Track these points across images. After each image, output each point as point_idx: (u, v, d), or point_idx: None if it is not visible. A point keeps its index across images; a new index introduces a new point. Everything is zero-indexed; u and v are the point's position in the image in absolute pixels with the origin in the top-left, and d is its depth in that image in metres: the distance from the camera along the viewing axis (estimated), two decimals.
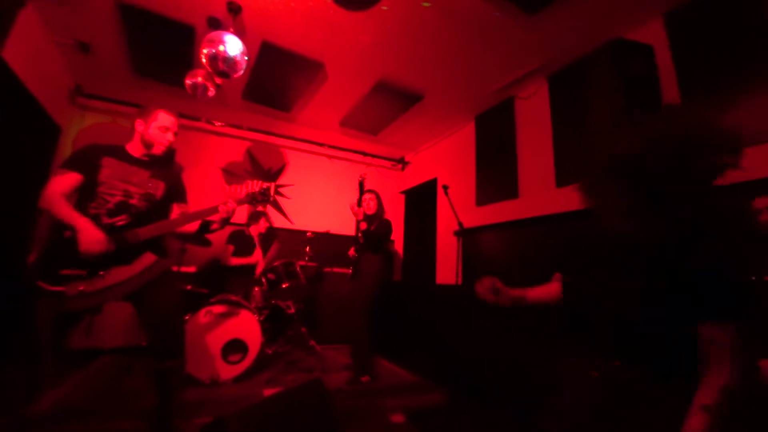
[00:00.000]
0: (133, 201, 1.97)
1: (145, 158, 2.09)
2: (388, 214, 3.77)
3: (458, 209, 3.29)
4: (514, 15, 2.85)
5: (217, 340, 3.20)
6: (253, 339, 3.33)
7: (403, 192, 6.35)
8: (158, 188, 2.07)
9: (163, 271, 2.04)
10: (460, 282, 3.25)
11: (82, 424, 2.35)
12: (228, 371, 3.20)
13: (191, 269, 4.47)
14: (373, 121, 4.94)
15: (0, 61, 2.75)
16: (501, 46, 3.23)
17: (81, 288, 1.77)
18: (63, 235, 1.80)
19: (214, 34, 2.86)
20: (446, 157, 5.21)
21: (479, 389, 3.20)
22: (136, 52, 3.63)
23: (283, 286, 3.80)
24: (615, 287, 1.00)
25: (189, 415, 2.34)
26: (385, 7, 2.81)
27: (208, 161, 5.00)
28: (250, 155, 5.27)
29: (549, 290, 1.39)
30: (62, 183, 1.86)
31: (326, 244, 5.04)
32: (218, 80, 3.43)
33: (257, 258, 4.15)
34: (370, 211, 3.66)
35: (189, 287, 3.65)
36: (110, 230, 1.86)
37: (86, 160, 1.93)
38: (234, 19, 2.98)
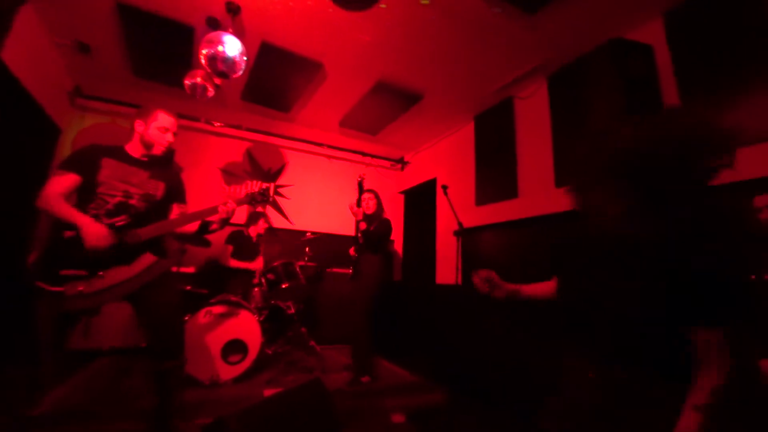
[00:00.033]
0: (132, 201, 1.96)
1: (145, 159, 2.09)
2: (388, 214, 3.77)
3: (458, 209, 3.29)
4: (514, 15, 2.85)
5: (217, 340, 3.19)
6: (253, 339, 3.33)
7: (402, 192, 6.35)
8: (158, 189, 2.07)
9: (162, 272, 2.04)
10: (459, 282, 3.25)
11: (82, 425, 2.35)
12: (228, 372, 3.20)
13: (191, 270, 4.47)
14: (373, 121, 4.93)
15: None
16: (500, 45, 3.23)
17: (80, 288, 1.77)
18: (63, 236, 1.80)
19: (213, 34, 2.85)
20: (446, 157, 5.21)
21: (479, 389, 3.20)
22: (135, 52, 3.63)
23: (283, 286, 3.80)
24: (615, 287, 1.00)
25: (189, 415, 2.34)
26: (383, 5, 2.81)
27: (208, 162, 5.00)
28: (250, 155, 5.27)
29: (544, 287, 1.40)
30: (60, 184, 1.86)
31: (326, 244, 5.04)
32: (217, 81, 3.43)
33: (259, 265, 4.14)
34: (370, 211, 3.66)
35: (189, 288, 3.65)
36: (110, 231, 1.86)
37: (85, 161, 1.93)
38: (233, 19, 2.98)
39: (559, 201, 3.07)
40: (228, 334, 3.24)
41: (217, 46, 2.82)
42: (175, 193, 2.19)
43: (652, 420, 0.92)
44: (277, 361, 3.78)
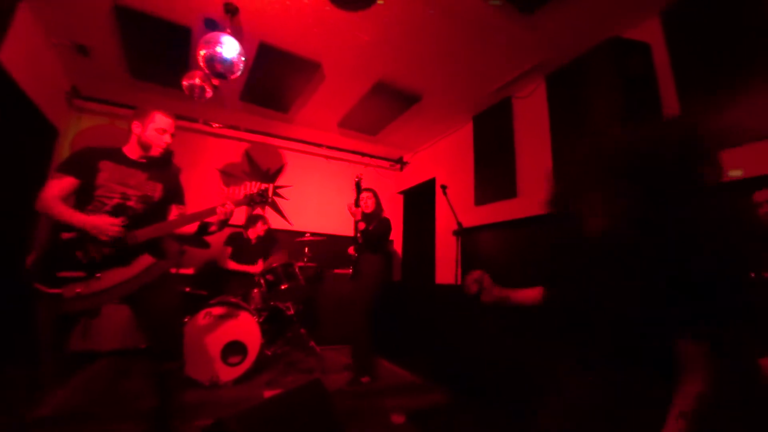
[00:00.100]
0: (130, 203, 1.96)
1: (143, 160, 2.09)
2: (387, 215, 3.76)
3: (457, 209, 3.30)
4: (512, 14, 2.85)
5: (216, 341, 3.19)
6: (253, 340, 3.32)
7: (401, 192, 6.35)
8: (156, 190, 2.07)
9: (161, 273, 2.04)
10: (459, 282, 3.25)
11: (82, 427, 2.34)
12: (228, 373, 3.19)
13: (190, 271, 4.46)
14: (372, 121, 4.93)
15: None
16: (499, 45, 3.23)
17: (78, 290, 1.77)
18: (60, 237, 1.80)
19: (211, 35, 2.85)
20: (445, 157, 5.21)
21: (479, 389, 3.20)
22: (133, 53, 3.62)
23: (282, 287, 3.79)
24: (615, 287, 1.00)
25: (189, 417, 2.33)
26: (381, 1, 2.80)
27: (206, 163, 4.99)
28: (248, 156, 5.27)
29: (532, 294, 1.40)
30: (58, 187, 1.86)
31: (325, 245, 5.03)
32: (216, 81, 3.43)
33: (258, 269, 4.13)
34: (369, 210, 3.65)
35: (188, 289, 3.64)
36: None
37: (83, 164, 1.93)
38: (231, 20, 2.97)
39: None
40: (227, 335, 3.24)
41: (215, 47, 2.82)
42: (174, 194, 2.18)
43: (652, 420, 0.92)
44: (277, 362, 3.78)
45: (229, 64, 2.88)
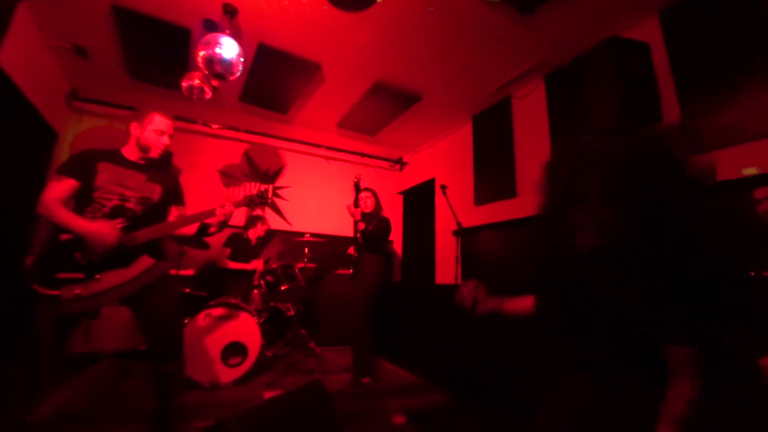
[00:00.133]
0: (129, 205, 1.96)
1: (142, 162, 2.09)
2: (387, 215, 3.76)
3: (457, 209, 3.29)
4: (511, 15, 2.85)
5: (216, 343, 3.19)
6: (253, 341, 3.32)
7: (401, 192, 6.35)
8: (155, 191, 2.06)
9: (160, 275, 2.03)
10: (459, 282, 3.25)
11: (82, 428, 2.35)
12: (228, 374, 3.19)
13: (189, 272, 4.46)
14: (371, 121, 4.93)
15: None
16: (497, 45, 3.23)
17: (77, 291, 1.77)
18: (59, 239, 1.79)
19: (210, 36, 2.85)
20: (444, 158, 5.21)
21: (479, 389, 3.20)
22: (132, 55, 3.62)
23: (282, 288, 3.79)
24: (614, 287, 1.00)
25: (189, 418, 2.33)
26: (383, 13, 2.81)
27: (206, 164, 4.99)
28: (248, 157, 5.27)
29: (524, 303, 1.40)
30: (58, 189, 1.85)
31: (325, 245, 5.03)
32: (215, 83, 3.42)
33: (255, 266, 4.13)
34: (368, 209, 3.64)
35: (187, 290, 3.64)
36: None
37: (82, 166, 1.93)
38: (230, 21, 2.97)
39: None
40: (227, 336, 3.24)
41: (215, 48, 2.82)
42: (173, 195, 2.18)
43: (652, 420, 0.92)
44: (277, 363, 3.78)
45: (228, 65, 2.88)
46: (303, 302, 4.56)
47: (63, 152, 4.07)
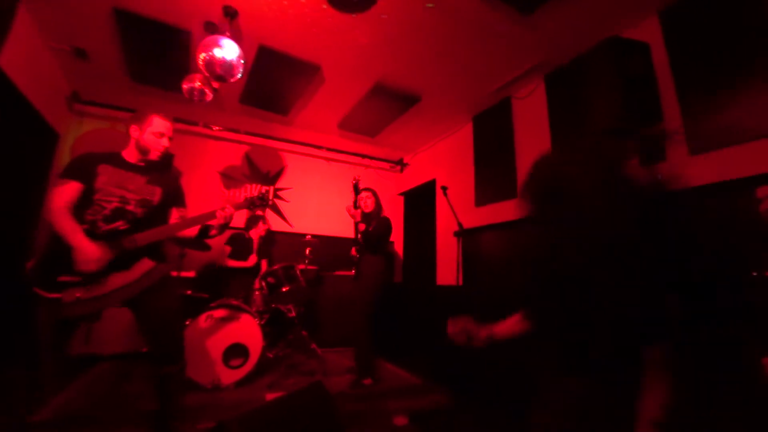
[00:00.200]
0: (129, 207, 1.96)
1: (142, 164, 2.09)
2: (387, 215, 3.75)
3: (457, 210, 3.29)
4: (511, 15, 2.86)
5: (218, 344, 3.19)
6: (254, 343, 3.32)
7: (402, 194, 6.35)
8: (155, 194, 2.06)
9: (161, 277, 2.04)
10: (460, 283, 3.25)
11: (83, 430, 2.35)
12: (229, 376, 3.19)
13: (191, 274, 4.46)
14: (371, 123, 4.94)
15: None
16: (498, 46, 3.23)
17: (78, 295, 1.77)
18: (61, 242, 1.80)
19: (210, 38, 2.86)
20: (445, 158, 5.21)
21: (480, 389, 3.19)
22: (132, 57, 3.63)
23: (284, 289, 3.79)
24: (615, 288, 1.00)
25: (190, 420, 2.33)
26: (384, 16, 2.82)
27: (207, 165, 4.99)
28: (249, 159, 5.27)
29: (514, 322, 1.41)
30: (65, 194, 1.85)
31: (326, 246, 5.04)
32: (215, 84, 3.44)
33: (252, 262, 4.14)
34: (368, 209, 3.64)
35: (189, 292, 3.64)
36: (107, 236, 1.86)
37: (83, 169, 1.93)
38: (230, 23, 2.98)
39: None
40: (229, 338, 3.24)
41: (215, 50, 2.83)
42: (174, 197, 2.18)
43: None
44: (279, 365, 3.77)
45: (229, 67, 2.89)
46: (304, 304, 4.57)
47: (64, 154, 4.08)
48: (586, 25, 2.91)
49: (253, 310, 3.60)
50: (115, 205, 1.92)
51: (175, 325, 2.12)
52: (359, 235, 3.57)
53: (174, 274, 3.77)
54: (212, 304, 3.34)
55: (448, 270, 4.76)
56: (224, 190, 4.98)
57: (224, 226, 2.18)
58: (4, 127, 2.95)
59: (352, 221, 3.62)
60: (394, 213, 6.16)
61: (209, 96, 3.50)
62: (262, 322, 3.63)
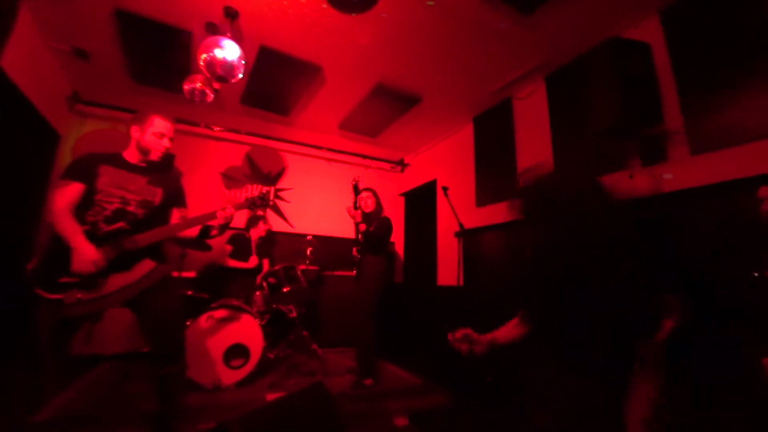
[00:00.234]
0: (130, 208, 1.96)
1: (142, 164, 2.09)
2: (388, 215, 3.75)
3: (458, 210, 3.29)
4: (511, 15, 2.86)
5: (218, 345, 3.19)
6: (255, 343, 3.32)
7: (402, 194, 6.35)
8: (156, 194, 2.07)
9: (162, 277, 2.04)
10: (461, 283, 3.25)
11: (84, 430, 2.35)
12: (230, 376, 3.19)
13: (191, 274, 4.47)
14: (372, 123, 4.94)
15: None
16: (498, 46, 3.23)
17: (79, 295, 1.77)
18: (62, 243, 1.80)
19: (211, 39, 2.86)
20: (445, 159, 5.21)
21: (481, 390, 3.19)
22: (133, 58, 3.64)
23: (284, 290, 3.79)
24: (615, 288, 1.00)
25: (191, 420, 2.33)
26: (384, 15, 2.82)
27: (208, 166, 5.00)
28: (249, 159, 5.28)
29: (511, 327, 1.42)
30: (67, 195, 1.86)
31: (327, 247, 5.04)
32: (216, 85, 3.44)
33: (253, 263, 4.13)
34: (369, 209, 3.64)
35: (190, 292, 3.65)
36: (108, 237, 1.86)
37: (84, 169, 1.93)
38: (231, 24, 2.98)
39: None
40: (230, 338, 3.24)
41: (216, 50, 2.83)
42: (175, 198, 2.18)
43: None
44: (279, 365, 3.77)
45: (230, 68, 2.89)
46: (305, 304, 4.57)
47: (65, 155, 4.08)
48: (587, 25, 2.91)
49: (253, 310, 3.60)
50: (116, 206, 1.93)
51: (176, 325, 2.12)
52: (360, 236, 3.57)
53: (175, 274, 3.78)
54: (213, 305, 3.35)
55: (448, 270, 4.75)
56: (225, 191, 4.98)
57: (225, 227, 2.19)
58: (5, 128, 2.96)
59: (352, 221, 3.62)
60: (395, 213, 6.16)
61: (210, 97, 3.50)
62: (263, 323, 3.63)
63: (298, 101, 4.41)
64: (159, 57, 3.60)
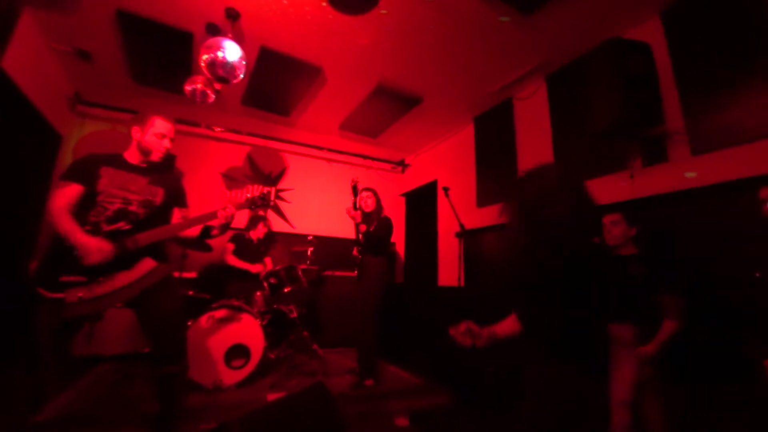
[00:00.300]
0: (132, 208, 1.96)
1: (143, 165, 2.09)
2: (388, 215, 3.74)
3: (459, 211, 3.29)
4: (511, 15, 2.86)
5: (219, 345, 3.19)
6: (256, 344, 3.32)
7: (403, 194, 6.35)
8: (157, 194, 2.07)
9: (163, 277, 2.04)
10: (462, 284, 3.24)
11: (84, 431, 2.35)
12: (231, 376, 3.19)
13: (192, 275, 4.47)
14: (373, 124, 4.95)
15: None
16: (498, 46, 3.24)
17: (80, 295, 1.78)
18: (63, 243, 1.80)
19: (212, 40, 2.87)
20: (446, 159, 5.21)
21: (482, 390, 3.19)
22: (135, 59, 3.65)
23: (285, 290, 3.79)
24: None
25: (192, 421, 2.34)
26: (384, 11, 2.83)
27: (209, 167, 5.00)
28: (250, 160, 5.28)
29: (510, 323, 1.43)
30: (65, 196, 1.86)
31: (328, 247, 5.04)
32: (218, 86, 3.44)
33: (258, 269, 4.11)
34: (369, 209, 3.63)
35: (191, 292, 3.65)
36: (109, 237, 1.86)
37: (85, 171, 1.94)
38: (232, 25, 2.99)
39: None
40: (230, 338, 3.24)
41: (217, 51, 2.84)
42: (176, 198, 2.19)
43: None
44: (280, 366, 3.77)
45: (231, 69, 2.90)
46: (306, 304, 4.57)
47: (67, 156, 4.09)
48: (587, 25, 2.91)
49: (254, 310, 3.60)
50: (117, 206, 1.93)
51: (177, 325, 2.12)
52: (360, 236, 3.57)
53: (176, 274, 3.78)
54: (214, 305, 3.35)
55: (449, 271, 4.75)
56: (226, 191, 4.98)
57: (225, 226, 2.18)
58: (7, 128, 2.97)
59: (352, 222, 3.62)
60: (396, 214, 6.16)
61: (211, 97, 3.51)
62: (264, 323, 3.63)
63: (298, 102, 4.42)
64: (160, 58, 3.61)
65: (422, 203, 5.79)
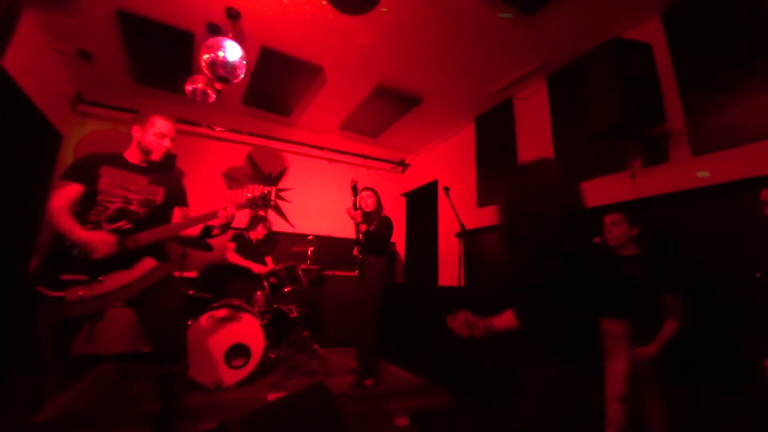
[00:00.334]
0: (132, 207, 1.97)
1: (144, 164, 2.10)
2: (388, 215, 3.74)
3: (459, 211, 3.29)
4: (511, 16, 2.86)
5: (219, 344, 3.19)
6: (256, 343, 3.32)
7: (403, 194, 6.35)
8: (157, 194, 2.07)
9: (164, 276, 2.04)
10: (462, 284, 3.24)
11: (85, 430, 2.35)
12: (231, 376, 3.19)
13: (193, 274, 4.47)
14: (373, 124, 4.95)
15: (0, 70, 2.77)
16: (499, 47, 3.24)
17: (81, 293, 1.78)
18: (64, 241, 1.81)
19: (213, 40, 2.87)
20: (446, 159, 5.21)
21: (482, 390, 3.19)
22: (135, 58, 3.65)
23: (285, 290, 3.79)
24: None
25: (192, 420, 2.34)
26: (384, 9, 2.83)
27: (209, 166, 5.01)
28: (251, 160, 5.28)
29: (508, 317, 1.44)
30: (65, 195, 1.86)
31: (328, 247, 5.04)
32: (218, 86, 3.45)
33: (260, 270, 4.10)
34: (369, 208, 3.63)
35: (191, 292, 3.65)
36: None
37: (85, 170, 1.94)
38: (233, 24, 2.99)
39: None
40: (231, 338, 3.24)
41: (218, 51, 2.84)
42: (176, 197, 2.19)
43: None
44: (280, 365, 3.77)
45: (232, 68, 2.90)
46: (306, 304, 4.57)
47: (67, 155, 4.09)
48: (588, 25, 2.91)
49: (254, 310, 3.60)
50: (118, 205, 1.93)
51: (177, 324, 2.12)
52: (361, 236, 3.57)
53: (176, 274, 3.78)
54: (214, 305, 3.35)
55: (449, 271, 4.75)
56: (227, 191, 4.98)
57: (226, 226, 2.18)
58: (8, 128, 2.97)
59: (353, 222, 3.62)
60: (396, 214, 6.16)
61: (212, 97, 3.51)
62: (264, 323, 3.63)
63: (299, 102, 4.42)
64: (161, 58, 3.61)
65: (422, 203, 5.79)
